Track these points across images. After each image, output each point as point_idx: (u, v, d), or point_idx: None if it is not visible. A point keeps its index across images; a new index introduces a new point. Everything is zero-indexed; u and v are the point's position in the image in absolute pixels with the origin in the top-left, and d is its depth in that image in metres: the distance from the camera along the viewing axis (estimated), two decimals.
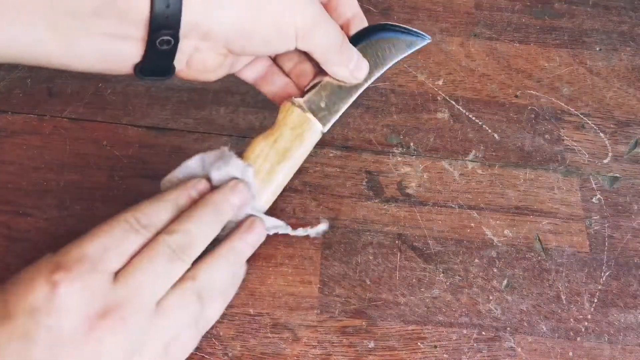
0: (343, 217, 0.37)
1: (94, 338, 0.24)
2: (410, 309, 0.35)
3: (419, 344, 0.34)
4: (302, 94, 0.34)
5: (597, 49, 0.46)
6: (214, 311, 0.29)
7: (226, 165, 0.31)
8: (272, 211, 0.37)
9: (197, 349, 0.32)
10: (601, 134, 0.42)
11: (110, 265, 0.26)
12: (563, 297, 0.36)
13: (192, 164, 0.32)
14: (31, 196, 0.36)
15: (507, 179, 0.40)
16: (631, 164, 0.41)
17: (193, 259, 0.28)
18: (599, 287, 0.36)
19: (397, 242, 0.37)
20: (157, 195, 0.30)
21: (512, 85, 0.44)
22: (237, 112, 0.41)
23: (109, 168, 0.38)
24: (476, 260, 0.37)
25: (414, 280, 0.36)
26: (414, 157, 0.40)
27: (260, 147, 0.33)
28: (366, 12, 0.46)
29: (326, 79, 0.34)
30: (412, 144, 0.41)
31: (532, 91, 0.44)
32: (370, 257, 0.36)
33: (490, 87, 0.44)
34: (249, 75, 0.36)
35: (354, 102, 0.42)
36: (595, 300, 0.36)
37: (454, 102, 0.43)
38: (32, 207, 0.36)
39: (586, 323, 0.35)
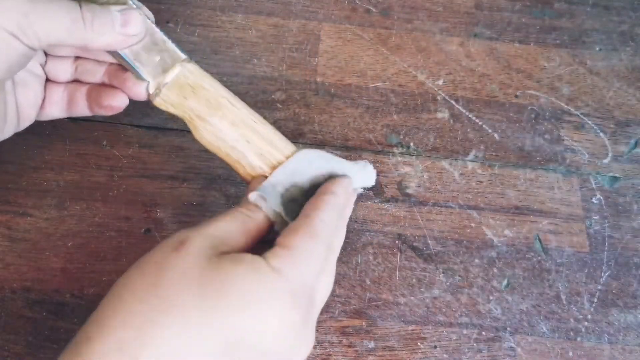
0: None
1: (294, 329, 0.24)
2: (410, 309, 0.35)
3: (419, 344, 0.34)
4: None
5: (597, 49, 0.46)
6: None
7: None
8: None
9: None
10: (601, 134, 0.42)
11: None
12: (563, 297, 0.36)
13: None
14: (31, 196, 0.36)
15: (507, 179, 0.40)
16: (631, 164, 0.41)
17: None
18: (599, 287, 0.36)
19: (397, 242, 0.37)
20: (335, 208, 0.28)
21: (512, 85, 0.44)
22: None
23: (109, 168, 0.38)
24: (476, 260, 0.37)
25: (414, 280, 0.36)
26: (414, 157, 0.40)
27: (212, 137, 0.30)
28: (366, 12, 0.46)
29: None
30: (412, 144, 0.41)
31: (532, 91, 0.44)
32: (370, 257, 0.36)
33: (490, 87, 0.44)
34: (56, 110, 0.33)
35: (353, 102, 0.42)
36: (595, 300, 0.36)
37: (454, 102, 0.43)
38: (32, 207, 0.36)
39: (586, 323, 0.35)
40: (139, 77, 0.30)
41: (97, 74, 0.33)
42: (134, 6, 0.30)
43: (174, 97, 0.30)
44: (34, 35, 0.26)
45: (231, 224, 0.26)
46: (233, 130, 0.30)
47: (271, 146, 0.30)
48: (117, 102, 0.31)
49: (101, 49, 0.29)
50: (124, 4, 0.29)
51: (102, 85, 0.33)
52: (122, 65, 0.31)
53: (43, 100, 0.33)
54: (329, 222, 0.27)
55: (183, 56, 0.30)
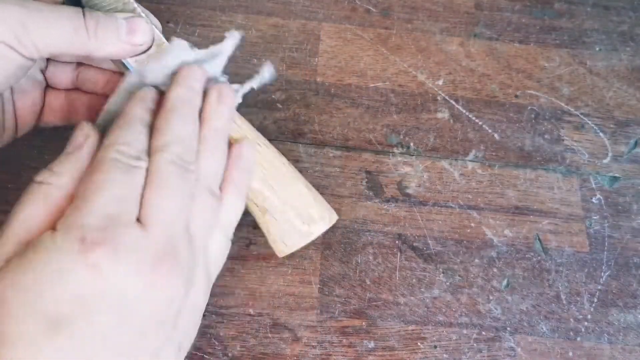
0: (343, 217, 0.37)
1: (158, 289, 0.22)
2: (410, 309, 0.35)
3: (419, 344, 0.34)
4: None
5: (597, 49, 0.46)
6: (231, 204, 0.28)
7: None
8: None
9: (198, 348, 0.32)
10: (601, 134, 0.42)
11: (132, 215, 0.23)
12: (563, 297, 0.36)
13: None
14: None
15: (507, 179, 0.40)
16: (631, 164, 0.41)
17: (194, 160, 0.26)
18: (599, 287, 0.36)
19: (397, 242, 0.37)
20: (117, 119, 0.26)
21: (512, 85, 0.44)
22: (237, 112, 0.41)
23: None
24: (476, 260, 0.37)
25: (414, 280, 0.36)
26: (414, 157, 0.40)
27: None
28: (366, 12, 0.46)
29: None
30: (412, 144, 0.41)
31: (532, 91, 0.44)
32: (370, 257, 0.36)
33: (490, 87, 0.44)
34: (54, 118, 0.32)
35: (353, 102, 0.42)
36: (595, 300, 0.36)
37: (454, 102, 0.43)
38: None
39: (586, 323, 0.35)
40: None
41: (99, 83, 0.31)
42: (142, 14, 0.29)
43: None
44: (32, 46, 0.25)
45: (30, 210, 0.24)
46: None
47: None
48: None
49: (105, 58, 0.28)
50: (131, 11, 0.28)
51: (105, 95, 0.31)
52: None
53: (42, 108, 0.32)
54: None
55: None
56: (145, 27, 0.28)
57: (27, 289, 0.21)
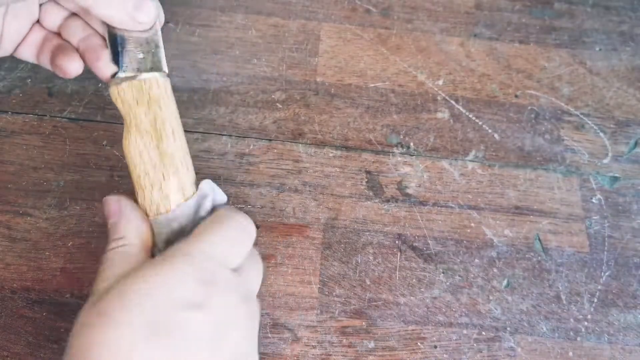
0: (343, 217, 0.37)
1: (238, 328, 0.26)
2: (410, 309, 0.35)
3: (419, 344, 0.34)
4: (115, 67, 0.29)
5: (597, 49, 0.46)
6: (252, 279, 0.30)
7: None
8: (271, 210, 0.37)
9: None
10: (601, 134, 0.42)
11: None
12: (563, 297, 0.36)
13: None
14: (31, 196, 0.36)
15: (507, 179, 0.40)
16: (631, 164, 0.41)
17: None
18: (599, 287, 0.36)
19: (397, 242, 0.37)
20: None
21: (512, 85, 0.44)
22: (237, 112, 0.41)
23: (109, 168, 0.38)
24: (476, 260, 0.37)
25: (414, 280, 0.36)
26: (414, 157, 0.40)
27: (136, 152, 0.29)
28: (366, 12, 0.46)
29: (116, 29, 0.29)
30: (412, 144, 0.41)
31: (532, 91, 0.44)
32: (370, 257, 0.36)
33: (490, 87, 0.44)
34: (27, 52, 0.32)
35: (353, 102, 0.42)
36: (595, 300, 0.36)
37: (454, 102, 0.43)
38: (32, 207, 0.36)
39: (586, 323, 0.35)
40: (114, 61, 0.29)
41: (77, 36, 0.31)
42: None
43: (129, 96, 0.29)
44: None
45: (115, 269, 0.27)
46: (157, 160, 0.29)
47: (180, 194, 0.29)
48: (69, 66, 0.30)
49: (102, 19, 0.28)
50: None
51: (69, 45, 0.31)
52: (104, 40, 0.30)
53: (23, 38, 0.31)
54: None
55: (164, 69, 0.30)
56: (152, 10, 0.28)
57: (134, 297, 0.24)
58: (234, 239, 0.28)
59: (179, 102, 0.41)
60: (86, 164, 0.38)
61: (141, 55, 0.29)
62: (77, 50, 0.31)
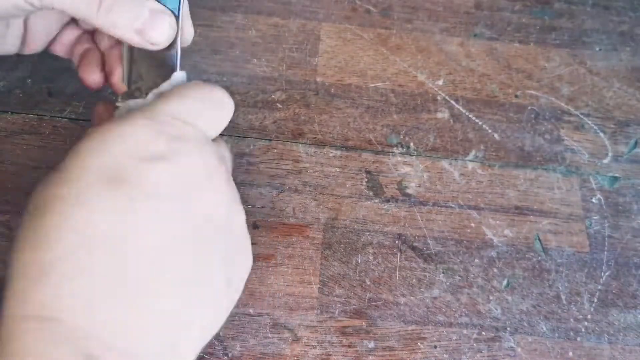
0: (343, 217, 0.37)
1: (213, 189, 0.24)
2: (410, 309, 0.35)
3: (419, 344, 0.34)
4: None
5: (597, 49, 0.46)
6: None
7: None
8: (271, 210, 0.37)
9: None
10: (601, 134, 0.42)
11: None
12: (563, 297, 0.36)
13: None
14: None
15: (507, 179, 0.40)
16: (631, 164, 0.41)
17: None
18: (599, 287, 0.36)
19: (397, 242, 0.37)
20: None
21: (512, 85, 0.44)
22: (237, 112, 0.41)
23: None
24: (476, 260, 0.37)
25: (414, 280, 0.36)
26: (414, 157, 0.40)
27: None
28: (366, 12, 0.46)
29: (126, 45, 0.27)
30: (412, 144, 0.41)
31: (532, 91, 0.44)
32: (370, 257, 0.36)
33: (490, 87, 0.44)
34: (62, 51, 0.32)
35: (353, 102, 0.42)
36: (595, 300, 0.36)
37: (454, 102, 0.43)
38: None
39: (586, 323, 0.35)
40: (125, 80, 0.28)
41: (104, 43, 0.31)
42: (175, 13, 0.27)
43: None
44: None
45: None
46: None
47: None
48: (88, 79, 0.30)
49: (114, 36, 0.27)
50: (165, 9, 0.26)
51: (95, 54, 0.31)
52: (119, 54, 0.29)
53: (55, 36, 0.31)
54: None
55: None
56: (166, 30, 0.26)
57: (90, 148, 0.22)
58: (206, 101, 0.25)
59: None
60: None
61: (153, 79, 0.27)
62: (103, 55, 0.30)
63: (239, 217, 0.26)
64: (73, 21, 0.32)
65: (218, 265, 0.24)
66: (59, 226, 0.20)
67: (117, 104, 0.27)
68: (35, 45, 0.32)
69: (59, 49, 0.32)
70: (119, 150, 0.22)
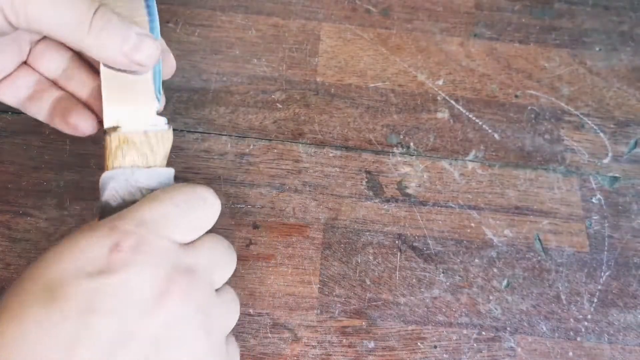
0: (343, 217, 0.37)
1: (163, 308, 0.22)
2: (410, 309, 0.35)
3: (419, 344, 0.34)
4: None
5: (597, 49, 0.46)
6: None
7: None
8: (271, 210, 0.37)
9: None
10: (601, 134, 0.42)
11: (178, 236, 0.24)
12: (563, 297, 0.36)
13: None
14: (31, 196, 0.36)
15: (507, 179, 0.40)
16: (631, 164, 0.41)
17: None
18: (599, 287, 0.36)
19: (397, 242, 0.37)
20: None
21: (512, 85, 0.44)
22: (237, 112, 0.41)
23: None
24: (476, 260, 0.37)
25: (414, 280, 0.36)
26: (414, 157, 0.40)
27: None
28: (366, 12, 0.46)
29: (102, 68, 0.27)
30: (412, 144, 0.41)
31: (532, 91, 0.44)
32: (370, 257, 0.36)
33: (490, 87, 0.44)
34: (10, 94, 0.29)
35: (353, 102, 0.42)
36: (595, 300, 0.36)
37: (454, 102, 0.43)
38: (32, 207, 0.36)
39: (586, 323, 0.35)
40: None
41: (85, 88, 0.29)
42: (155, 35, 0.27)
43: (126, 152, 0.27)
44: (23, 14, 0.23)
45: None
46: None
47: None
48: (84, 126, 0.29)
49: (98, 60, 0.27)
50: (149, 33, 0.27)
51: (76, 99, 0.30)
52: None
53: (4, 77, 0.29)
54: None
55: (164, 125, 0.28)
56: (153, 52, 0.26)
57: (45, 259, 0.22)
58: (184, 204, 0.24)
59: (179, 102, 0.41)
60: (86, 164, 0.38)
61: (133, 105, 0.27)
62: (86, 103, 0.29)
63: (199, 343, 0.23)
64: (25, 64, 0.30)
65: None
66: None
67: (106, 128, 0.27)
68: None
69: (9, 94, 0.29)
70: (65, 266, 0.22)
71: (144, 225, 0.23)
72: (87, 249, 0.22)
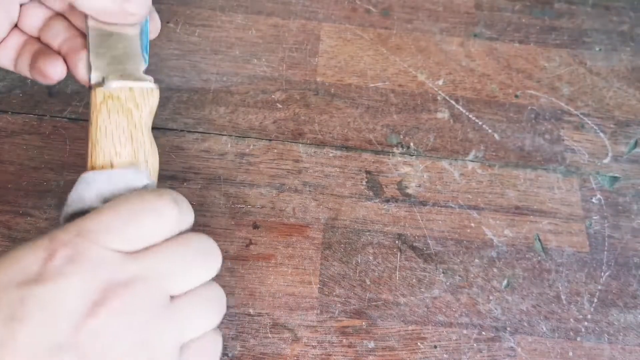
0: (343, 217, 0.37)
1: (95, 320, 0.21)
2: (410, 309, 0.35)
3: (419, 344, 0.34)
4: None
5: (597, 49, 0.46)
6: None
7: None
8: (271, 210, 0.37)
9: None
10: (601, 134, 0.42)
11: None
12: (563, 297, 0.36)
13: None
14: (31, 196, 0.36)
15: (507, 179, 0.40)
16: (631, 164, 0.41)
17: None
18: (599, 287, 0.36)
19: (397, 242, 0.37)
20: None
21: (512, 85, 0.44)
22: (237, 112, 0.41)
23: None
24: (476, 260, 0.37)
25: (414, 280, 0.36)
26: (414, 157, 0.40)
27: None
28: (366, 12, 0.46)
29: (90, 23, 0.27)
30: (412, 144, 0.41)
31: (532, 91, 0.44)
32: (370, 257, 0.36)
33: (490, 87, 0.44)
34: (4, 58, 0.30)
35: (353, 102, 0.42)
36: (595, 300, 0.36)
37: (454, 102, 0.43)
38: (32, 207, 0.36)
39: (586, 323, 0.35)
40: (89, 64, 0.28)
41: (59, 38, 0.29)
42: None
43: (111, 107, 0.27)
44: None
45: None
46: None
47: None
48: (52, 71, 0.28)
49: (87, 12, 0.26)
50: None
51: (50, 49, 0.29)
52: (84, 42, 0.29)
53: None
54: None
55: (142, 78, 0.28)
56: (144, 2, 0.26)
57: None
58: (127, 214, 0.24)
59: (179, 102, 0.41)
60: (86, 164, 0.38)
61: (112, 59, 0.28)
62: (59, 53, 0.29)
63: (135, 357, 0.22)
64: (16, 27, 0.30)
65: None
66: None
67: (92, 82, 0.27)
68: None
69: (4, 55, 0.30)
70: (1, 276, 0.21)
71: (83, 235, 0.23)
72: (23, 259, 0.22)
